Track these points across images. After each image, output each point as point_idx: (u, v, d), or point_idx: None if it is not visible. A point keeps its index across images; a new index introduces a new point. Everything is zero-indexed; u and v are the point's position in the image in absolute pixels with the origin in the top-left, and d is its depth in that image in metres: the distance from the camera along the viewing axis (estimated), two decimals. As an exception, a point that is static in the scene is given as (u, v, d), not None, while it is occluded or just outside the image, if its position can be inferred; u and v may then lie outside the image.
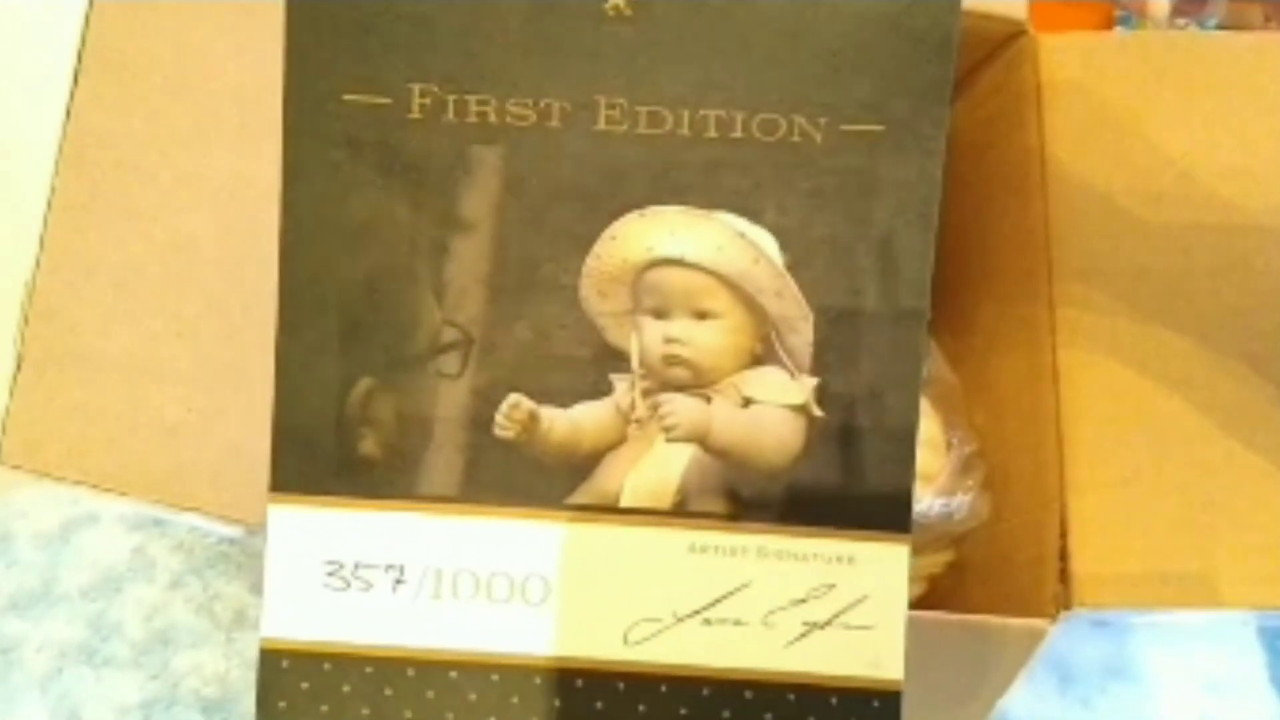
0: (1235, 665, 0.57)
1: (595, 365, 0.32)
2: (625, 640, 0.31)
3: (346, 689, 0.32)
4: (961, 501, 0.45)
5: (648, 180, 0.31)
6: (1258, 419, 0.41)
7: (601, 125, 0.31)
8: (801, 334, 0.31)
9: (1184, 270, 0.43)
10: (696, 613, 0.31)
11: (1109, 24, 0.59)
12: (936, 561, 0.47)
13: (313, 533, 0.32)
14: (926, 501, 0.45)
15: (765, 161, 0.31)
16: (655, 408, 0.31)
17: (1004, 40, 0.47)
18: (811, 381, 0.31)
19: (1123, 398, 0.42)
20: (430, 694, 0.32)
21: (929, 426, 0.47)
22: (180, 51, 0.40)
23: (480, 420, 0.31)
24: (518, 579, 0.32)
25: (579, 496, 0.32)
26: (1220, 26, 0.55)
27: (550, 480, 0.32)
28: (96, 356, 0.38)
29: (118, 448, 0.38)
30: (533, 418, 0.31)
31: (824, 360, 0.31)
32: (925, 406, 0.48)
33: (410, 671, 0.32)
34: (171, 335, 0.39)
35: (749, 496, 0.32)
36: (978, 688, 0.42)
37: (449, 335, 0.31)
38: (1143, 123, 0.45)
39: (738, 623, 0.31)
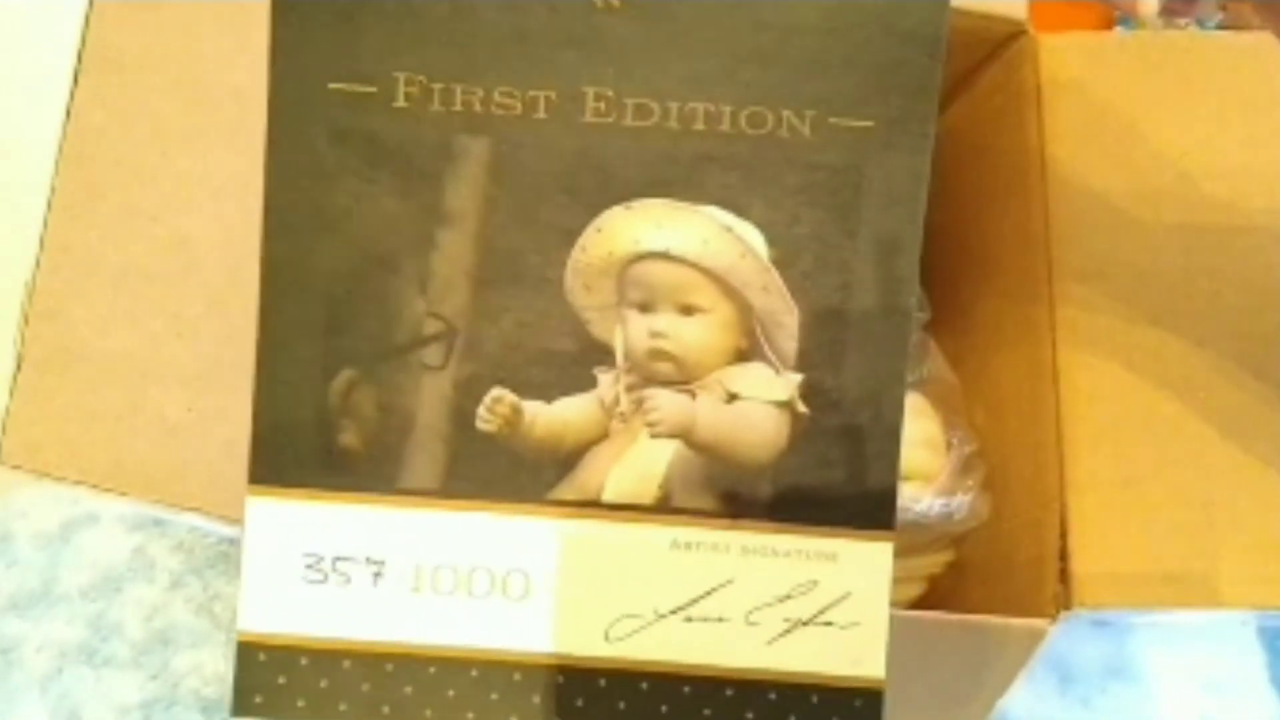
0: (1235, 665, 0.57)
1: (579, 359, 0.31)
2: (606, 637, 0.31)
3: (324, 684, 0.32)
4: (961, 501, 0.45)
5: (634, 173, 0.31)
6: (1258, 419, 0.41)
7: (588, 117, 0.31)
8: (787, 330, 0.31)
9: (1184, 270, 0.43)
10: (678, 609, 0.31)
11: (1109, 24, 0.59)
12: (936, 561, 0.47)
13: (292, 525, 0.32)
14: (926, 501, 0.45)
15: (753, 156, 0.31)
16: (639, 403, 0.31)
17: (1004, 40, 0.47)
18: (796, 378, 0.31)
19: (1123, 398, 0.42)
20: (409, 689, 0.31)
21: (929, 426, 0.47)
22: (181, 51, 0.40)
23: (462, 413, 0.31)
24: (499, 574, 0.31)
25: (561, 491, 0.32)
26: (1221, 26, 0.55)
27: (533, 475, 0.32)
28: (96, 356, 0.38)
29: (118, 448, 0.38)
30: (515, 411, 0.31)
31: (810, 357, 0.31)
32: (925, 406, 0.48)
33: (389, 666, 0.32)
34: (171, 335, 0.39)
35: (733, 493, 0.32)
36: (978, 688, 0.41)
37: (432, 327, 0.31)
38: (1143, 122, 0.45)
39: (720, 620, 0.31)
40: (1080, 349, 0.42)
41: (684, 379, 0.32)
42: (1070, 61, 0.46)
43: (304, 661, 0.32)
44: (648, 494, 0.31)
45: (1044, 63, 0.46)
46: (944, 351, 0.50)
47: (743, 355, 0.32)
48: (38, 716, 0.54)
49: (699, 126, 0.31)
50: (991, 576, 0.46)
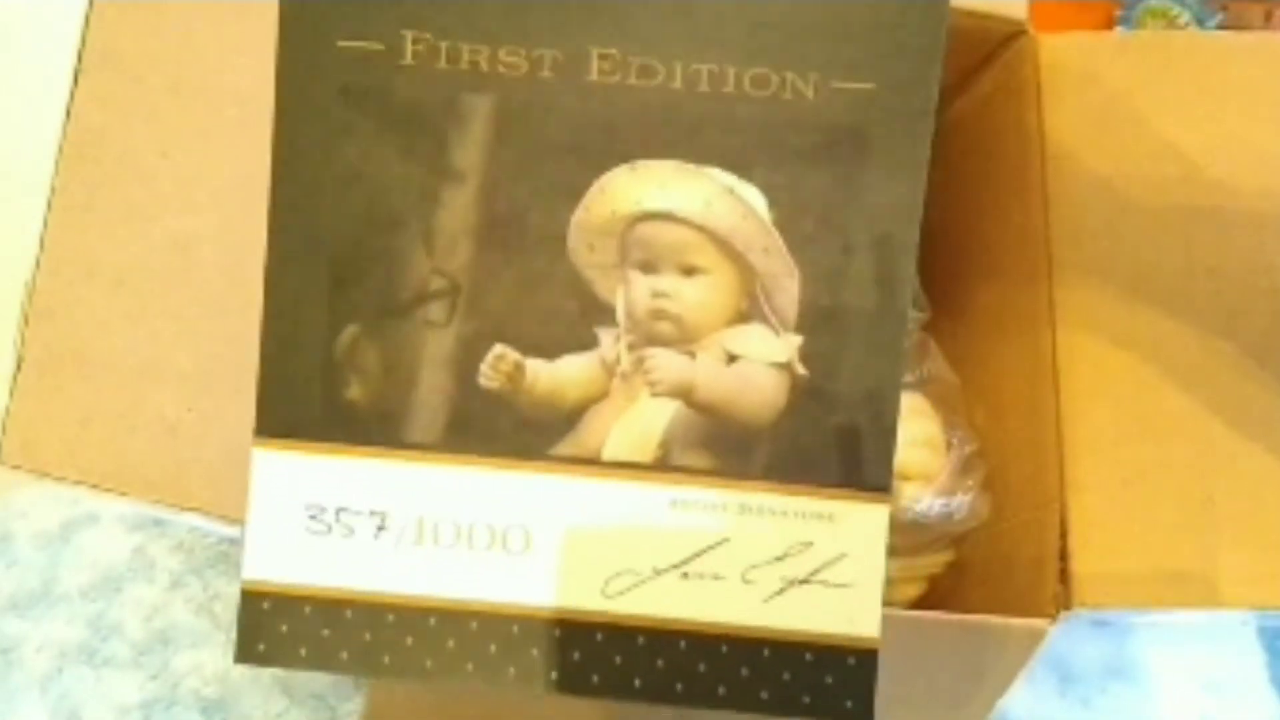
0: (1235, 665, 0.57)
1: (582, 318, 0.31)
2: (604, 592, 0.31)
3: (326, 633, 0.32)
4: (961, 501, 0.45)
5: (638, 133, 0.31)
6: (1258, 418, 0.42)
7: (593, 76, 0.30)
8: (788, 292, 0.31)
9: (1184, 270, 0.43)
10: (675, 566, 0.31)
11: (1109, 24, 0.59)
12: (936, 561, 0.47)
13: (296, 477, 0.32)
14: (927, 501, 0.45)
15: (756, 117, 0.31)
16: (640, 362, 0.31)
17: (1004, 40, 0.47)
18: (796, 339, 0.31)
19: (1123, 397, 0.42)
20: (409, 640, 0.32)
21: (929, 426, 0.47)
22: (180, 51, 0.40)
23: (465, 370, 0.31)
24: (499, 528, 0.31)
25: (562, 448, 0.32)
26: (1221, 26, 0.55)
27: (534, 431, 0.32)
28: (96, 356, 0.38)
29: (118, 447, 0.38)
30: (518, 369, 0.31)
31: (810, 319, 0.31)
32: (925, 406, 0.48)
33: (390, 617, 0.32)
34: (171, 335, 0.39)
35: (731, 452, 0.32)
36: (978, 688, 0.42)
37: (436, 284, 0.31)
38: (1142, 122, 0.45)
39: (716, 577, 0.31)
40: (1080, 349, 0.43)
41: (685, 339, 0.32)
42: (1070, 61, 0.46)
43: (307, 610, 0.32)
44: (647, 452, 0.32)
45: (1044, 62, 0.46)
46: (944, 351, 0.50)
47: (743, 316, 0.32)
48: (38, 716, 0.54)
49: (703, 87, 0.31)
50: (991, 576, 0.46)
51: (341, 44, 0.31)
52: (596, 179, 0.31)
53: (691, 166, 0.31)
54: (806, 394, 0.31)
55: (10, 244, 0.40)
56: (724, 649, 0.32)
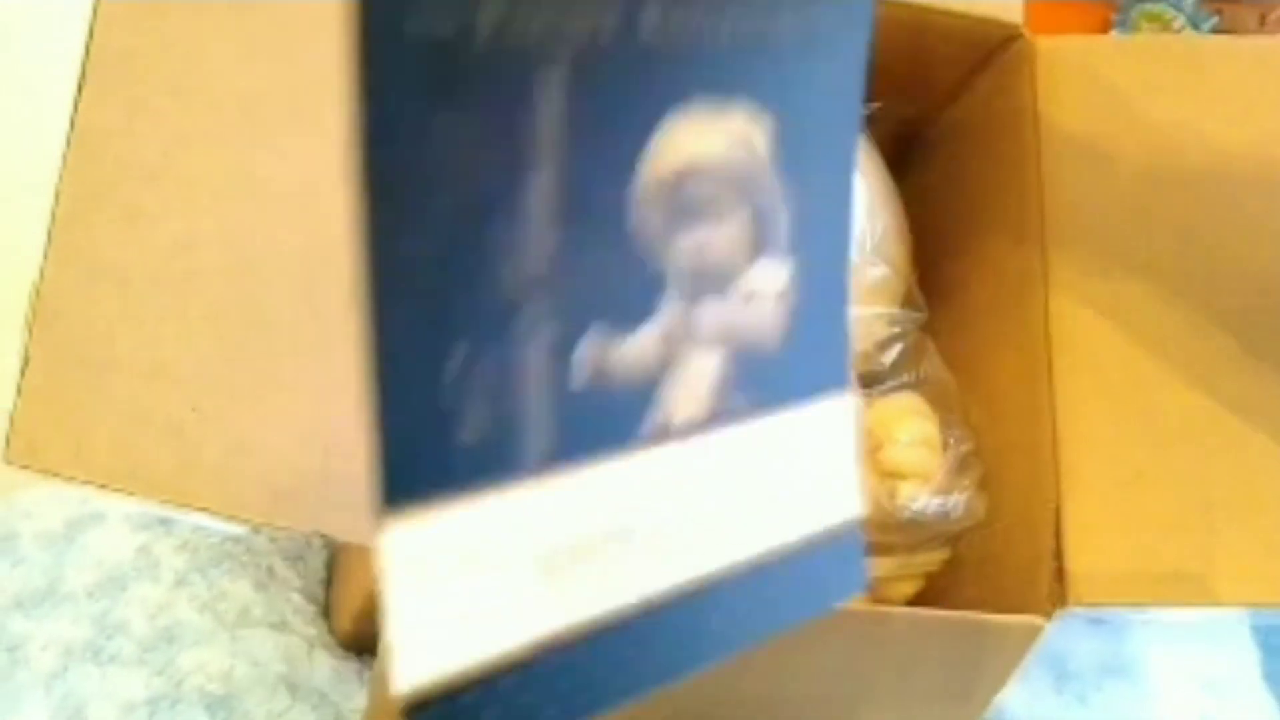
0: (1231, 663, 0.58)
1: (646, 288, 0.30)
2: (697, 550, 0.32)
3: (525, 697, 0.29)
4: (958, 500, 0.46)
5: (680, 87, 0.30)
6: (1254, 417, 0.42)
7: (646, 36, 0.30)
8: (783, 223, 0.32)
9: (1181, 270, 0.43)
10: (725, 506, 0.32)
11: (1104, 27, 0.60)
12: (933, 559, 0.48)
13: (442, 543, 0.27)
14: (923, 500, 0.45)
15: (778, 51, 0.31)
16: (689, 320, 0.31)
17: (1000, 43, 0.47)
18: (789, 267, 0.32)
19: (1119, 397, 0.42)
20: (596, 665, 0.30)
21: (926, 426, 0.47)
22: (186, 53, 0.41)
23: (561, 372, 0.29)
24: (615, 528, 0.30)
25: (645, 428, 0.31)
26: (1216, 30, 0.55)
27: (623, 419, 0.30)
28: (102, 357, 0.39)
29: (123, 447, 0.38)
30: (604, 358, 0.30)
31: (795, 243, 0.32)
32: (922, 406, 0.48)
33: (578, 649, 0.29)
34: (176, 335, 0.39)
35: (758, 385, 0.33)
36: (974, 685, 0.42)
37: (528, 279, 0.30)
38: (1139, 125, 0.45)
39: (752, 501, 0.33)
40: (1075, 349, 0.43)
41: (721, 288, 0.32)
42: (1067, 64, 0.46)
43: (498, 685, 0.28)
44: (704, 408, 0.31)
45: (1040, 65, 0.46)
46: (940, 351, 0.51)
47: (756, 253, 0.32)
48: (42, 714, 0.54)
49: (729, 28, 0.30)
50: (988, 574, 0.46)
51: (412, 32, 0.27)
52: (650, 139, 0.30)
53: (723, 113, 0.31)
54: (795, 314, 0.32)
55: (16, 245, 0.41)
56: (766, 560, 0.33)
